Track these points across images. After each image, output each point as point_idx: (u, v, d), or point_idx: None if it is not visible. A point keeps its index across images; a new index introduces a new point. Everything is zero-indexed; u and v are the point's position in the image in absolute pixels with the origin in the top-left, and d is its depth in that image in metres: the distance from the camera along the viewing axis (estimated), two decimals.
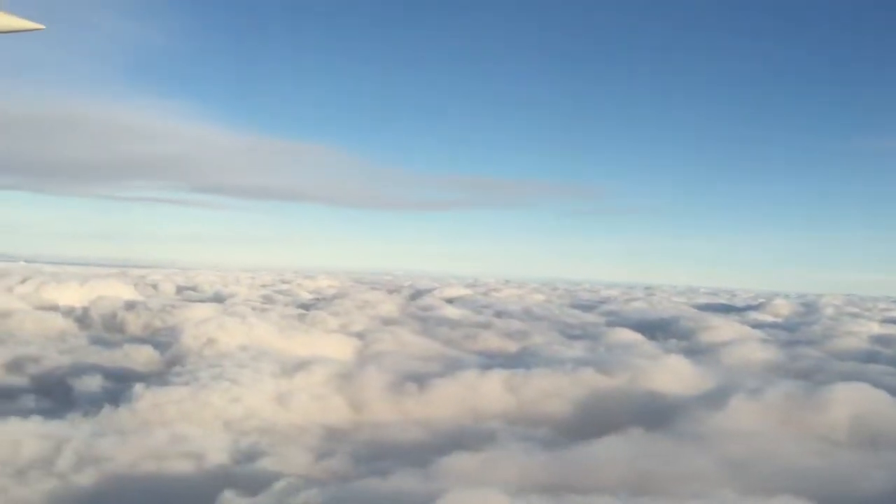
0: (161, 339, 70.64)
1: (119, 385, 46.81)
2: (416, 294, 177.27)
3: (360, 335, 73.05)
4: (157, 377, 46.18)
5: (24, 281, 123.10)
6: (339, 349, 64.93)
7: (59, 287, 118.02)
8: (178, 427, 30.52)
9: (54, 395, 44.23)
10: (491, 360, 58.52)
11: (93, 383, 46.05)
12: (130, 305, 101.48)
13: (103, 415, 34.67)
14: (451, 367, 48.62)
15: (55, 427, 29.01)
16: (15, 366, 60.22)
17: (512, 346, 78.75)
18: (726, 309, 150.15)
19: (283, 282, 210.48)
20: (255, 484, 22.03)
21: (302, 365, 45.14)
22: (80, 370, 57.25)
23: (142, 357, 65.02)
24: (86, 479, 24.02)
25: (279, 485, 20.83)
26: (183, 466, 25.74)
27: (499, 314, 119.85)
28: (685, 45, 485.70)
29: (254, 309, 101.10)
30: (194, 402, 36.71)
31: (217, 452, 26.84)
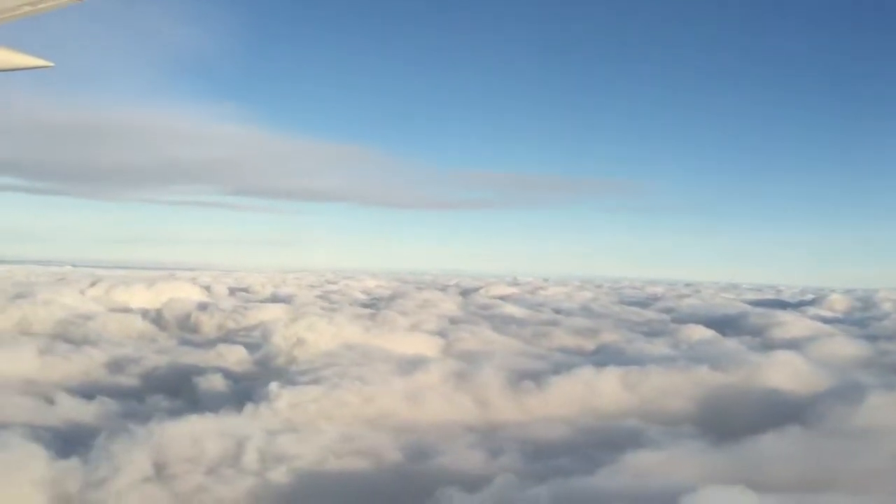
0: (250, 340, 71.63)
1: (238, 384, 47.54)
2: (464, 293, 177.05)
3: (440, 333, 73.29)
4: (276, 377, 46.78)
5: (93, 284, 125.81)
6: (427, 347, 65.16)
7: (128, 290, 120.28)
8: (336, 425, 30.85)
9: (181, 394, 44.87)
10: (579, 358, 58.27)
11: (215, 383, 46.71)
12: (203, 307, 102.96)
13: (247, 413, 35.13)
14: (559, 365, 48.57)
15: (223, 424, 29.41)
16: (116, 366, 61.43)
17: (588, 344, 78.31)
18: (780, 305, 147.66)
19: (329, 282, 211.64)
20: (458, 481, 22.17)
21: (415, 364, 45.39)
22: (186, 370, 58.25)
23: (234, 357, 66.03)
24: (280, 476, 24.36)
25: (499, 481, 20.90)
26: (362, 464, 25.99)
27: (558, 312, 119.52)
28: (727, 40, 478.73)
29: (323, 309, 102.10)
30: (330, 401, 37.03)
31: (391, 451, 27.04)
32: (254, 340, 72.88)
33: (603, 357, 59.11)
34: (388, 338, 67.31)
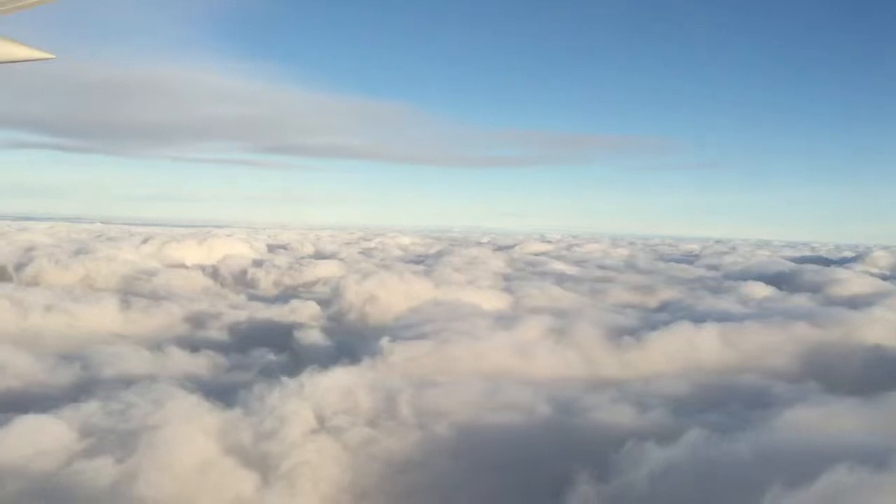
0: (317, 297, 72.04)
1: (334, 339, 47.87)
2: (500, 250, 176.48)
3: (506, 290, 73.22)
4: (365, 332, 47.10)
5: (145, 241, 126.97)
6: (499, 303, 65.17)
7: (180, 247, 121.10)
8: (457, 380, 30.88)
9: (283, 348, 45.23)
10: (663, 315, 57.98)
11: (314, 337, 47.10)
12: (258, 263, 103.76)
13: (365, 367, 35.31)
14: (651, 321, 48.40)
15: (356, 377, 29.55)
16: (197, 321, 62.08)
17: (649, 301, 77.89)
18: (822, 261, 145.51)
19: (364, 239, 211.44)
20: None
21: (512, 320, 45.41)
22: (272, 325, 58.90)
23: (307, 312, 66.53)
24: (443, 429, 24.48)
25: (690, 435, 20.83)
26: (515, 417, 26.06)
27: (603, 268, 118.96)
28: None
29: (376, 266, 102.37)
30: (442, 356, 37.13)
31: (538, 405, 27.07)
32: (320, 296, 73.49)
33: (674, 314, 58.67)
34: (460, 294, 67.26)
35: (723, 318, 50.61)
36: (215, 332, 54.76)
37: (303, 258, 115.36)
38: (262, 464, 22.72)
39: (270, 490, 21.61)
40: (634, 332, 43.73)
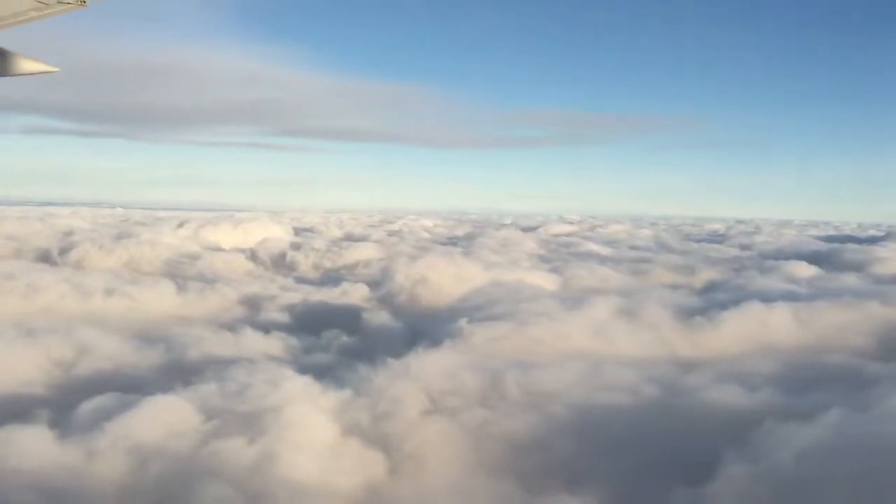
0: (365, 278, 72.03)
1: (400, 321, 47.74)
2: (524, 231, 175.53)
3: (553, 271, 72.96)
4: (443, 314, 46.86)
5: (181, 225, 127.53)
6: (548, 283, 64.94)
7: (215, 230, 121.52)
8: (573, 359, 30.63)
9: (354, 331, 45.18)
10: (707, 295, 57.58)
11: (382, 319, 47.10)
12: (296, 247, 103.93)
13: (448, 349, 35.19)
14: (715, 301, 48.01)
15: (454, 359, 29.46)
16: (252, 303, 62.18)
17: (691, 280, 77.33)
18: (854, 240, 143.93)
19: (386, 222, 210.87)
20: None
21: (579, 301, 45.12)
22: (330, 307, 58.92)
23: (358, 294, 66.57)
24: (559, 409, 24.36)
25: (833, 414, 20.58)
26: (624, 398, 25.87)
27: (635, 249, 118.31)
28: None
29: (413, 248, 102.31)
30: (522, 337, 37.00)
31: (645, 385, 26.86)
32: (366, 278, 73.48)
33: (729, 293, 58.08)
34: (510, 275, 66.98)
35: (781, 297, 49.92)
36: (277, 314, 54.77)
37: (338, 241, 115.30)
38: (385, 444, 22.70)
39: (400, 471, 21.60)
40: (701, 312, 43.44)
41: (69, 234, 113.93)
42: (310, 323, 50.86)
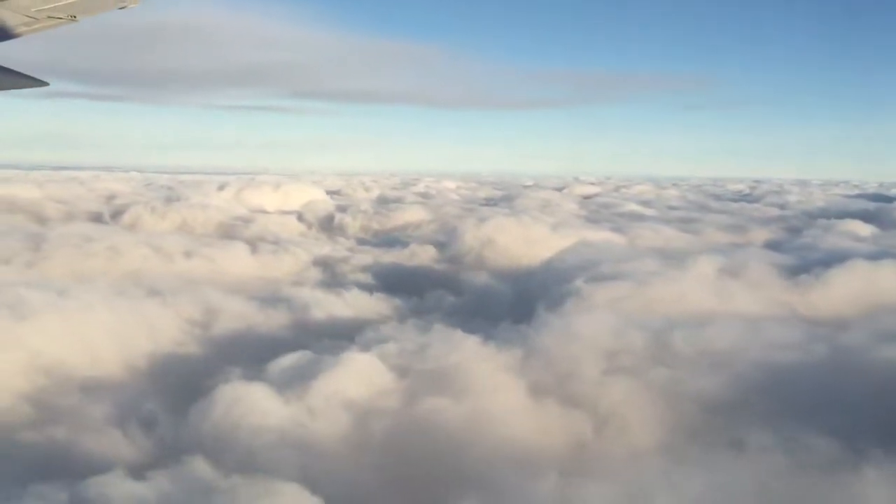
0: (430, 240, 71.60)
1: (497, 281, 47.33)
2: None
3: (616, 231, 72.38)
4: (534, 275, 46.52)
5: (222, 188, 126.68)
6: (618, 244, 64.42)
7: (257, 192, 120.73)
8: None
9: (455, 291, 44.91)
10: (789, 254, 57.03)
11: (482, 279, 46.83)
12: (342, 209, 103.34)
13: (573, 309, 34.89)
14: (811, 260, 47.58)
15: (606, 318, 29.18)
16: (326, 264, 61.91)
17: (750, 239, 76.87)
18: (883, 199, 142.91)
19: (408, 184, 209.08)
20: None
21: (681, 259, 44.68)
22: (411, 269, 58.70)
23: (426, 255, 66.28)
24: (744, 369, 24.12)
25: None
26: (793, 355, 25.61)
27: (673, 209, 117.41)
28: None
29: (461, 209, 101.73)
30: (643, 298, 36.58)
31: (812, 343, 26.57)
32: (425, 239, 73.06)
33: (802, 252, 57.66)
34: (578, 235, 66.44)
35: (861, 255, 49.37)
36: (360, 276, 54.42)
37: (383, 203, 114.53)
38: (577, 404, 22.53)
39: (602, 431, 21.44)
40: (797, 271, 43.20)
41: (112, 197, 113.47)
42: (401, 284, 50.52)
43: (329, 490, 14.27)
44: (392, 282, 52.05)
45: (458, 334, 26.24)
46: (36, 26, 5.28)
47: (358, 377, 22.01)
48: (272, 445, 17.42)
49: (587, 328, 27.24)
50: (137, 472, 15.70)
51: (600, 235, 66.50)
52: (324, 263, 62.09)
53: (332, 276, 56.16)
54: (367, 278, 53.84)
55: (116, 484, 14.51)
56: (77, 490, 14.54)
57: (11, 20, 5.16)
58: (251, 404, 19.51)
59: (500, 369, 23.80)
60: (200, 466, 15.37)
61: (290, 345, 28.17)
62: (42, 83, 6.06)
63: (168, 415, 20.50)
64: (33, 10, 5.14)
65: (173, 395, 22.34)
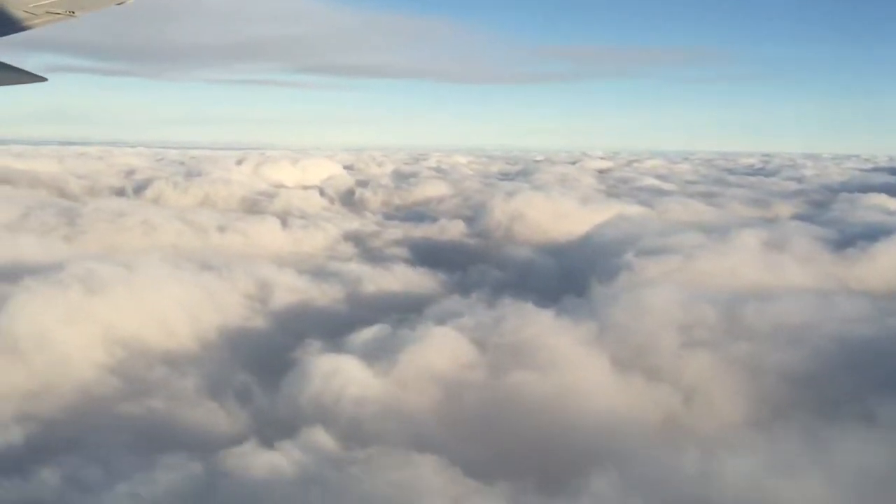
0: (456, 214, 71.32)
1: (542, 255, 47.07)
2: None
3: (642, 204, 71.84)
4: (571, 249, 46.21)
5: (239, 163, 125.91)
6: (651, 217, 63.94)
7: (274, 168, 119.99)
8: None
9: (499, 266, 44.64)
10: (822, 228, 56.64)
11: (523, 252, 46.57)
12: (362, 184, 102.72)
13: (626, 282, 34.68)
14: (851, 234, 47.23)
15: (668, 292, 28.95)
16: (358, 239, 61.85)
17: (778, 213, 76.52)
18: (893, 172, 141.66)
19: (420, 159, 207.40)
20: None
21: (723, 232, 44.39)
22: (435, 244, 58.23)
23: (456, 230, 66.04)
24: (820, 343, 23.92)
25: None
26: (873, 330, 25.39)
27: (693, 183, 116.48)
28: None
29: (482, 184, 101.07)
30: (691, 271, 36.36)
31: (885, 317, 26.36)
32: (451, 214, 72.79)
33: (835, 226, 57.18)
34: (605, 210, 65.99)
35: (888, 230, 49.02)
36: (396, 250, 54.24)
37: (403, 178, 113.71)
38: (661, 377, 22.40)
39: (690, 405, 21.31)
40: (839, 245, 42.96)
41: (131, 172, 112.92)
42: (438, 258, 50.24)
43: (457, 460, 14.13)
44: (429, 256, 51.74)
45: (530, 308, 26.05)
46: (35, 22, 5.25)
47: (442, 351, 21.86)
48: (378, 417, 17.32)
49: (655, 302, 27.00)
50: (262, 443, 15.56)
51: (630, 210, 65.93)
52: (355, 238, 61.91)
53: (365, 251, 55.98)
54: (403, 253, 53.57)
55: (250, 454, 14.40)
56: (212, 461, 14.45)
57: (10, 16, 5.14)
58: (347, 377, 19.38)
59: (577, 343, 23.63)
60: (322, 437, 15.28)
61: (357, 318, 28.10)
62: (41, 79, 6.01)
63: (259, 388, 20.40)
64: (32, 5, 5.10)
65: (256, 367, 22.24)
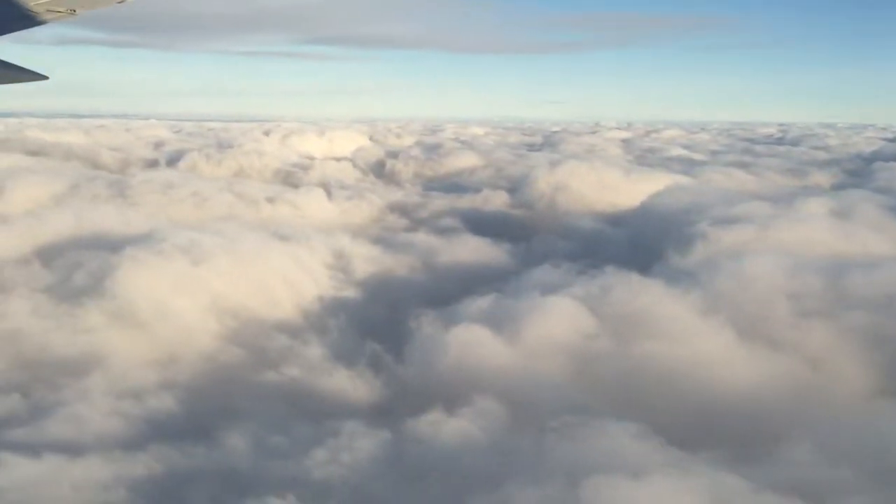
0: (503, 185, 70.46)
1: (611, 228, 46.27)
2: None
3: (684, 174, 70.89)
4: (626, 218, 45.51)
5: (267, 134, 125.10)
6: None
7: (301, 140, 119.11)
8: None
9: (568, 238, 44.03)
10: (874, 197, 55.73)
11: (589, 223, 45.98)
12: (392, 155, 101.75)
13: (702, 252, 34.12)
14: None
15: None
16: (402, 209, 61.28)
17: (817, 182, 75.64)
18: None
19: (437, 130, 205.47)
20: None
21: (788, 200, 43.74)
22: (484, 214, 57.49)
23: (499, 201, 65.34)
24: None
25: None
26: None
27: (718, 153, 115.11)
28: None
29: (512, 155, 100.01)
30: (771, 239, 35.73)
31: None
32: (488, 185, 71.85)
33: (883, 193, 56.20)
34: (647, 179, 65.08)
35: None
36: (448, 221, 53.60)
37: (433, 149, 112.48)
38: (781, 347, 21.94)
39: (819, 376, 20.85)
40: None
41: (160, 144, 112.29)
42: (492, 229, 49.53)
43: (655, 429, 13.68)
44: (484, 227, 51.08)
45: (635, 277, 25.55)
46: (36, 20, 5.23)
47: (561, 321, 21.43)
48: (535, 386, 16.93)
49: (758, 270, 26.46)
50: (412, 412, 15.25)
51: (678, 180, 65.06)
52: (400, 209, 61.36)
53: (415, 222, 55.42)
54: (456, 223, 52.94)
55: (434, 422, 14.06)
56: (400, 427, 14.11)
57: (12, 14, 5.12)
58: (480, 346, 18.99)
59: (692, 312, 23.15)
60: (491, 406, 14.91)
61: (448, 288, 27.69)
62: (41, 77, 6.03)
63: (389, 356, 20.06)
64: (33, 3, 5.10)
65: (374, 336, 21.87)
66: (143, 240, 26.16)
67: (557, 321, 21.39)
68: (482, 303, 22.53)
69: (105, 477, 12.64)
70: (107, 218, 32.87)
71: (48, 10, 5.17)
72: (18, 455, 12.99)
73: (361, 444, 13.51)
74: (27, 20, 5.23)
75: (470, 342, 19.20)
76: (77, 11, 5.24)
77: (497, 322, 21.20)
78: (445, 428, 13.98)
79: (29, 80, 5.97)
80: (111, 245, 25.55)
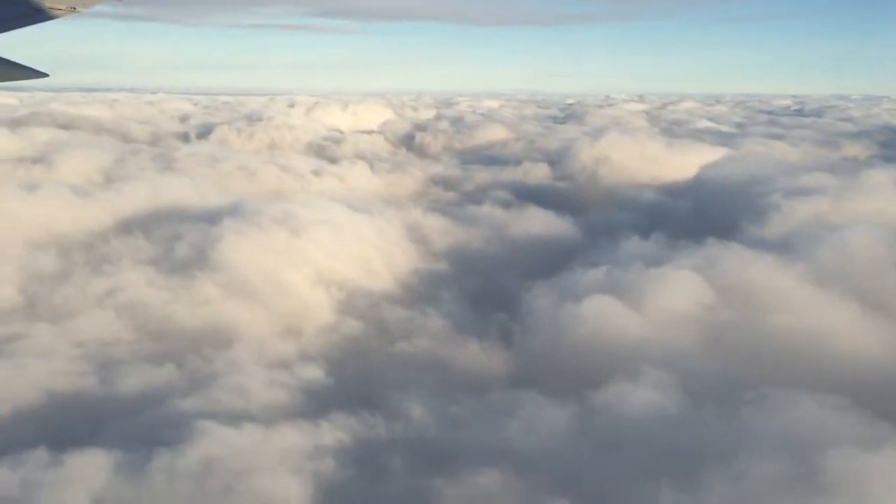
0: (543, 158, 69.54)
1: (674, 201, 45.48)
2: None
3: (725, 146, 69.84)
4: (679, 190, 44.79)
5: (291, 106, 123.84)
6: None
7: (326, 112, 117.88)
8: None
9: (628, 210, 43.38)
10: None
11: (647, 196, 45.28)
12: (421, 128, 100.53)
13: (778, 224, 33.54)
14: None
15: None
16: (445, 182, 60.65)
17: (853, 154, 74.55)
18: None
19: (451, 103, 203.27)
20: None
21: (850, 171, 42.98)
22: (527, 186, 56.68)
23: (540, 173, 64.59)
24: None
25: None
26: None
27: (742, 126, 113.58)
28: None
29: (542, 127, 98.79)
30: (845, 211, 35.12)
31: None
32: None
33: None
34: (689, 151, 64.19)
35: None
36: (498, 193, 52.82)
37: (458, 121, 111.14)
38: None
39: None
40: None
41: (185, 118, 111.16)
42: (547, 201, 48.85)
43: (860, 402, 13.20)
44: (535, 199, 50.36)
45: (739, 248, 24.98)
46: (37, 17, 5.24)
47: (680, 292, 20.92)
48: (683, 358, 16.49)
49: (857, 241, 25.88)
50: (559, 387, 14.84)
51: (714, 152, 64.10)
52: (443, 182, 60.76)
53: (463, 195, 54.75)
54: (506, 196, 52.18)
55: (628, 392, 13.63)
56: (582, 399, 13.69)
57: (13, 13, 5.17)
58: (613, 316, 18.53)
59: (804, 283, 22.62)
60: (663, 377, 14.46)
61: (535, 260, 27.14)
62: (42, 74, 6.03)
63: (514, 327, 19.62)
64: (34, 1, 5.17)
65: (486, 307, 21.43)
66: (235, 212, 25.64)
67: (677, 293, 20.89)
68: (595, 274, 21.99)
69: (305, 445, 12.34)
70: (181, 191, 32.27)
71: (49, 8, 5.22)
72: (221, 425, 12.66)
73: (550, 416, 13.12)
74: (29, 18, 5.25)
75: (603, 313, 18.73)
76: (77, 9, 5.27)
77: (621, 294, 20.71)
78: (631, 399, 13.57)
79: (29, 78, 5.95)
80: (202, 217, 25.05)
